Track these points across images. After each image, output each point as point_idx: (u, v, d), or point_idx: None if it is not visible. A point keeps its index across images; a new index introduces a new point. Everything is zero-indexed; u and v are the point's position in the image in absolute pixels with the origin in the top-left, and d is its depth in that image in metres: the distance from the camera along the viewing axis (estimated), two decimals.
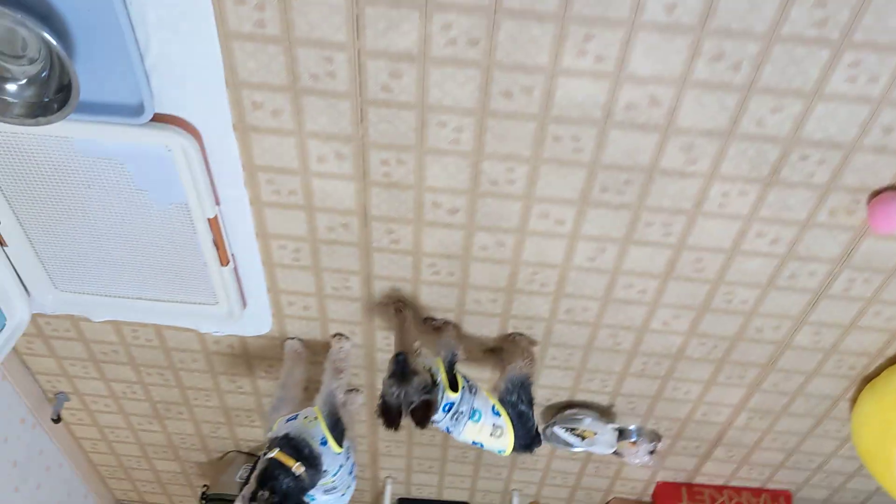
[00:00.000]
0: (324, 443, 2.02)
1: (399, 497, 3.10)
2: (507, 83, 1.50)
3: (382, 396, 1.85)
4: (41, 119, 1.47)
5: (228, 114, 1.61)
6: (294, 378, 2.21)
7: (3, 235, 1.92)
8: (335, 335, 2.23)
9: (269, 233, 1.91)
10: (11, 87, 1.48)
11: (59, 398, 2.64)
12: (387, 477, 2.96)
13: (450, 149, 1.63)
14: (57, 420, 2.64)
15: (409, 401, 1.83)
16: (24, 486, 2.60)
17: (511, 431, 2.02)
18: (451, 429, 1.96)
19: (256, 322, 2.20)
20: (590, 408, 2.39)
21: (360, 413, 2.57)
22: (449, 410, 1.92)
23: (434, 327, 2.13)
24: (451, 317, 2.10)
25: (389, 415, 1.84)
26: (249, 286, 2.08)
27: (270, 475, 1.80)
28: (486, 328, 2.13)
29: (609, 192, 1.69)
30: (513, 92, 1.51)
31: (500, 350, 2.21)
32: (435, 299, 2.05)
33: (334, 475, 2.01)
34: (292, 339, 2.26)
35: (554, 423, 2.43)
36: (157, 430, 2.79)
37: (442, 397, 1.91)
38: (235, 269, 2.00)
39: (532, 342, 2.18)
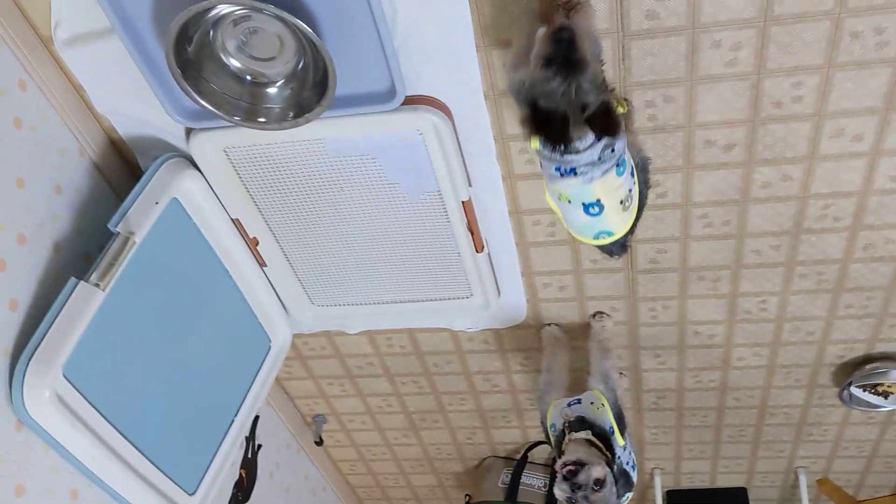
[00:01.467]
0: (611, 432, 1.89)
1: (668, 489, 2.90)
2: None
3: (534, 97, 1.23)
4: (304, 117, 1.44)
5: (480, 83, 1.52)
6: (558, 362, 2.09)
7: (262, 255, 1.93)
8: (595, 314, 2.09)
9: (522, 209, 1.81)
10: (272, 90, 1.46)
11: (318, 421, 2.66)
12: (654, 468, 2.77)
13: (725, 72, 1.46)
14: (320, 442, 2.66)
15: (581, 101, 1.21)
16: None
17: (635, 210, 1.50)
18: (584, 171, 1.34)
19: (512, 311, 2.10)
20: (894, 359, 2.11)
21: (625, 399, 2.41)
22: (599, 141, 1.30)
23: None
24: (726, 274, 1.91)
25: (552, 123, 1.23)
26: (503, 272, 1.98)
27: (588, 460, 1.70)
28: (767, 282, 1.92)
29: None
30: None
31: None
32: (706, 256, 1.86)
33: None
34: (549, 324, 2.14)
35: (849, 384, 2.16)
36: (413, 442, 2.75)
37: None
38: (489, 254, 1.91)
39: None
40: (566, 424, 1.89)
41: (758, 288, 1.94)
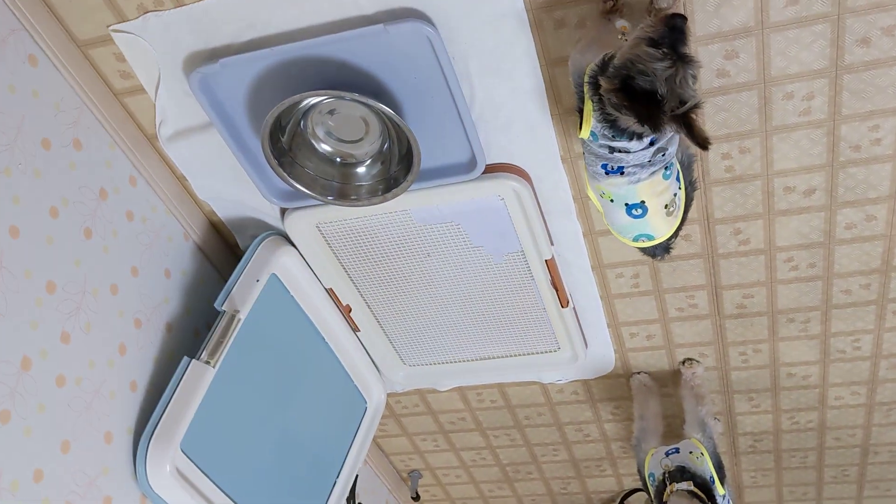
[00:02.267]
0: (712, 482, 1.88)
1: None
2: (863, 29, 1.33)
3: (629, 74, 1.15)
4: (392, 192, 1.52)
5: (556, 147, 1.58)
6: (651, 410, 2.09)
7: (356, 321, 2.01)
8: (685, 361, 2.10)
9: (604, 263, 1.85)
10: (361, 170, 1.55)
11: (413, 476, 2.71)
12: None
13: (800, 121, 1.48)
14: (416, 498, 2.71)
15: (681, 93, 1.14)
16: None
17: (681, 215, 1.45)
18: (632, 171, 1.31)
19: (600, 361, 2.13)
20: None
21: (720, 443, 2.38)
22: (653, 144, 1.28)
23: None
24: (816, 315, 1.89)
25: (647, 102, 1.15)
26: (589, 324, 2.01)
27: None
28: (859, 321, 1.89)
29: None
30: (871, 37, 1.34)
31: None
32: (795, 298, 1.86)
33: None
34: (638, 373, 2.15)
35: None
36: (508, 494, 2.77)
37: None
38: (574, 308, 1.95)
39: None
40: (666, 475, 1.89)
41: (850, 327, 1.92)
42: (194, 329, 1.73)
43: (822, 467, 2.45)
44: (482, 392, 2.29)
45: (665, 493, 1.87)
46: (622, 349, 2.09)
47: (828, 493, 2.58)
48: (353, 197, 1.55)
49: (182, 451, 1.55)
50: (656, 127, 1.15)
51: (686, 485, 1.85)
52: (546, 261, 1.78)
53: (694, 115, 1.13)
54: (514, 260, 1.82)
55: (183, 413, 1.54)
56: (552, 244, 1.78)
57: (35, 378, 1.31)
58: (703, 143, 1.13)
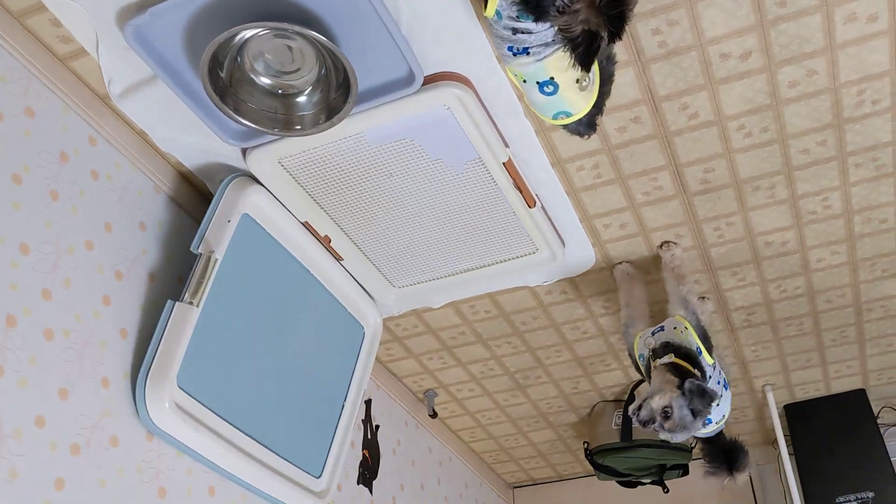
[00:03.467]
0: (699, 353, 1.95)
1: (785, 404, 2.90)
2: None
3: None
4: (336, 117, 1.57)
5: (489, 48, 1.61)
6: (635, 296, 2.15)
7: (337, 251, 2.08)
8: (662, 244, 2.14)
9: (563, 158, 1.88)
10: (301, 99, 1.60)
11: (429, 395, 2.81)
12: (764, 385, 2.78)
13: None
14: (434, 415, 2.81)
15: None
16: (427, 482, 2.79)
17: (597, 88, 1.47)
18: (537, 51, 1.35)
19: (580, 258, 2.18)
20: None
21: (714, 322, 2.44)
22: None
23: None
24: (780, 179, 1.92)
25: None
26: (561, 222, 2.06)
27: (679, 376, 1.77)
28: (824, 179, 1.92)
29: None
30: None
31: None
32: (756, 165, 1.88)
33: None
34: (620, 263, 2.20)
35: None
36: (523, 401, 2.86)
37: None
38: (543, 207, 2.00)
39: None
40: (651, 352, 1.96)
41: (816, 187, 1.94)
42: (177, 276, 1.81)
43: (819, 332, 2.50)
44: (475, 304, 2.36)
45: (652, 369, 1.94)
46: (599, 242, 2.14)
47: (831, 357, 2.63)
48: (297, 127, 1.60)
49: (180, 387, 1.65)
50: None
51: (667, 358, 1.91)
52: (504, 164, 1.82)
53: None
54: (474, 168, 1.86)
55: (174, 352, 1.64)
56: (507, 146, 1.82)
57: (22, 334, 1.41)
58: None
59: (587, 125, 1.52)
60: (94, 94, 1.70)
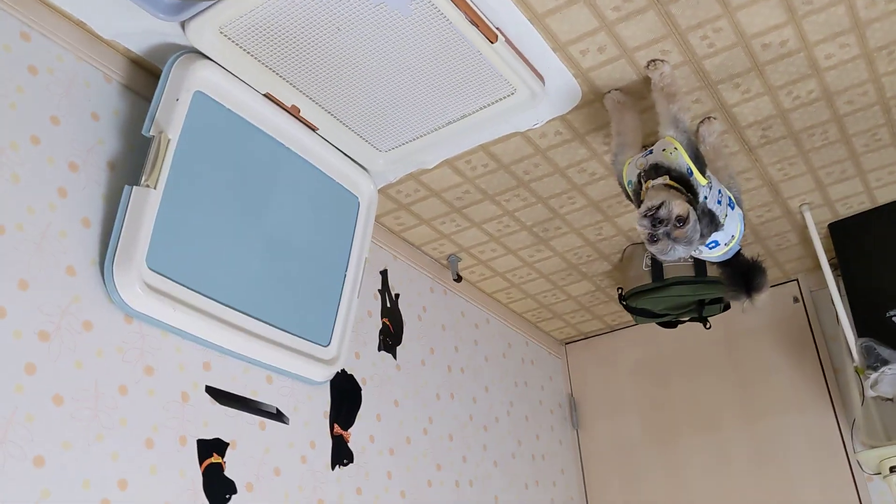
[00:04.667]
0: (689, 174, 1.84)
1: (828, 222, 2.73)
2: None
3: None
4: None
5: None
6: (627, 124, 2.03)
7: (308, 120, 2.03)
8: (649, 63, 1.99)
9: None
10: None
11: (452, 260, 2.79)
12: (801, 205, 2.62)
13: None
14: (458, 279, 2.79)
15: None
16: (461, 345, 2.79)
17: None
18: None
19: (564, 91, 2.06)
20: None
21: (728, 143, 2.28)
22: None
23: None
24: None
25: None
26: (533, 54, 1.94)
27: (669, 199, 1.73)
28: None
29: None
30: None
31: None
32: None
33: None
34: (609, 91, 2.07)
35: None
36: (548, 254, 2.80)
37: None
38: (508, 41, 1.88)
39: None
40: (641, 174, 1.86)
41: None
42: (140, 164, 1.81)
43: (848, 139, 2.31)
44: (470, 159, 2.29)
45: (642, 192, 1.85)
46: (581, 71, 2.01)
47: (867, 165, 2.44)
48: None
49: (151, 268, 1.67)
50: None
51: (662, 179, 1.81)
52: None
53: None
54: (422, 8, 1.76)
55: (138, 234, 1.65)
56: None
57: None
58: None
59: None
60: None
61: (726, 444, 3.00)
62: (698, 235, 1.77)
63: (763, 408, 2.97)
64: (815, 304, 2.98)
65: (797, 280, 3.03)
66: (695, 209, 1.78)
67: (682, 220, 1.75)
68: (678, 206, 1.75)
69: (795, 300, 3.02)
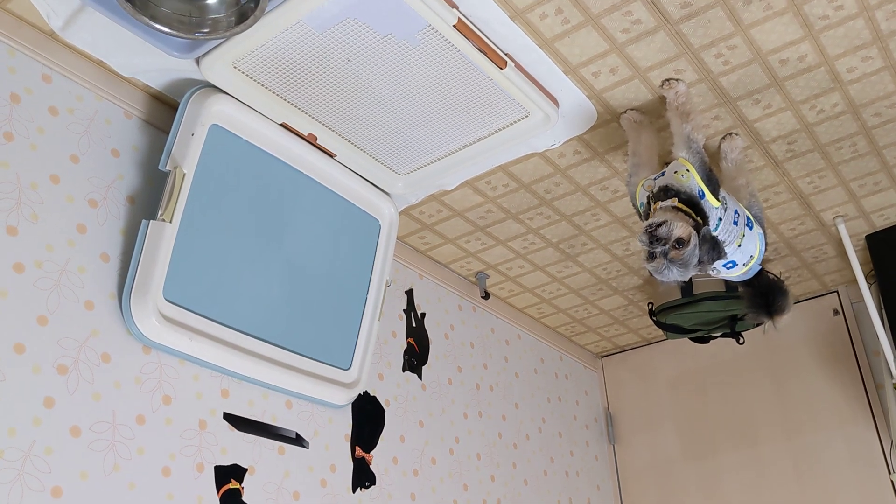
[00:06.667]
0: (701, 196, 1.81)
1: (866, 234, 2.65)
2: None
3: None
4: (253, 17, 1.53)
5: None
6: (643, 143, 2.01)
7: (326, 147, 2.06)
8: (663, 83, 1.97)
9: (519, 8, 1.75)
10: (211, 2, 1.56)
11: (480, 277, 2.79)
12: (835, 217, 2.55)
13: None
14: (486, 296, 2.80)
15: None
16: (490, 361, 2.80)
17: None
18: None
19: (579, 113, 2.05)
20: None
21: (752, 157, 2.24)
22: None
23: None
24: None
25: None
26: (546, 78, 1.93)
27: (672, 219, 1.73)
28: None
29: None
30: None
31: None
32: None
33: (715, 230, 1.79)
34: (625, 111, 2.05)
35: None
36: (577, 270, 2.79)
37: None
38: (519, 66, 1.88)
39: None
40: (650, 196, 1.84)
41: None
42: (161, 197, 1.86)
43: (879, 150, 2.24)
44: (490, 180, 2.29)
45: (651, 214, 1.83)
46: (594, 92, 1.99)
47: None
48: (209, 29, 1.56)
49: (167, 299, 1.72)
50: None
51: (670, 202, 1.79)
52: (454, 25, 1.72)
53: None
54: (429, 37, 1.77)
55: (154, 267, 1.70)
56: (454, 7, 1.71)
57: None
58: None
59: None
60: (41, 32, 1.73)
61: (765, 459, 2.93)
62: (696, 261, 1.74)
63: (802, 423, 2.90)
64: (856, 316, 2.90)
65: (836, 292, 2.95)
66: (699, 234, 1.75)
67: (681, 243, 1.72)
68: (680, 229, 1.73)
69: (836, 312, 2.94)
